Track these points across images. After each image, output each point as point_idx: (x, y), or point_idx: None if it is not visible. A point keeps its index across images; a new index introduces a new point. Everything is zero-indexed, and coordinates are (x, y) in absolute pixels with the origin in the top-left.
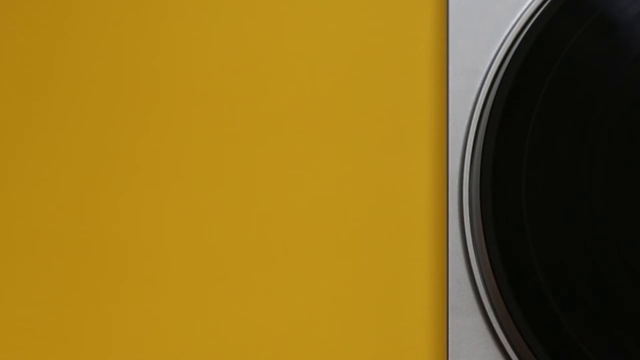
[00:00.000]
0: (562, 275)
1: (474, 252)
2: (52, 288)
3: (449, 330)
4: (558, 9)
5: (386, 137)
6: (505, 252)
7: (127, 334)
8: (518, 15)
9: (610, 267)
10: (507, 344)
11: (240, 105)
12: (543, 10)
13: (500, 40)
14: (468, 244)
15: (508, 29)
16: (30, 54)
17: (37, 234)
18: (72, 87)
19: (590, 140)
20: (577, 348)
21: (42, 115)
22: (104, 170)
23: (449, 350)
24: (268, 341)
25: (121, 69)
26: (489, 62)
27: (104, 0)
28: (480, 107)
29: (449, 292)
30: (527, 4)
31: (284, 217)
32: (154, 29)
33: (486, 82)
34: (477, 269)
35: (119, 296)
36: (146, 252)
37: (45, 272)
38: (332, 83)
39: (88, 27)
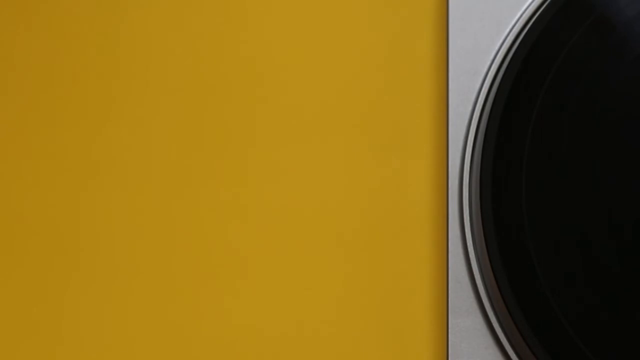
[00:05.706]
0: (562, 275)
1: (474, 252)
2: (49, 287)
3: (449, 330)
4: (558, 9)
5: (386, 137)
6: (505, 252)
7: (127, 336)
8: (518, 15)
9: (611, 267)
10: (507, 344)
11: (239, 106)
12: (543, 10)
13: (500, 40)
14: (468, 244)
15: (508, 29)
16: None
17: (37, 236)
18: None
19: (590, 140)
20: (577, 348)
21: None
22: (96, 169)
23: (449, 350)
24: (268, 341)
25: (113, 66)
26: (489, 62)
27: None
28: (480, 107)
29: (449, 292)
30: (527, 4)
31: (283, 217)
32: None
33: (486, 82)
34: (477, 269)
35: (118, 298)
36: (145, 253)
37: (43, 272)
38: (332, 83)
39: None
